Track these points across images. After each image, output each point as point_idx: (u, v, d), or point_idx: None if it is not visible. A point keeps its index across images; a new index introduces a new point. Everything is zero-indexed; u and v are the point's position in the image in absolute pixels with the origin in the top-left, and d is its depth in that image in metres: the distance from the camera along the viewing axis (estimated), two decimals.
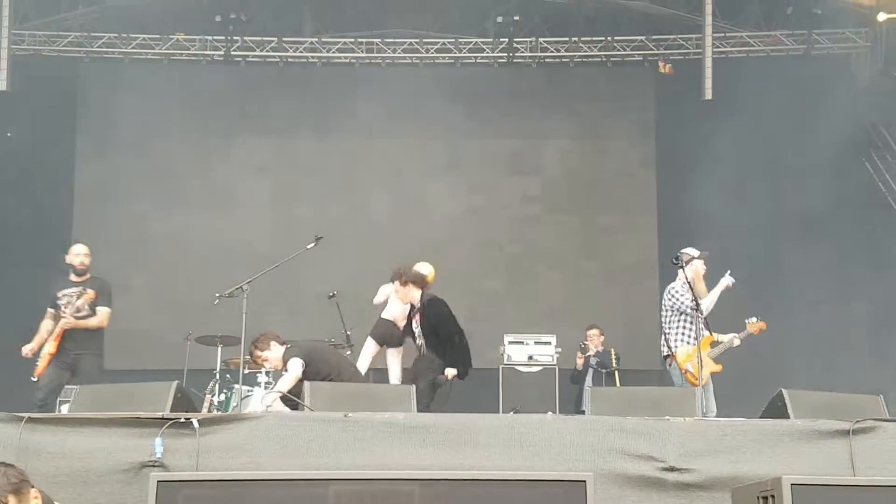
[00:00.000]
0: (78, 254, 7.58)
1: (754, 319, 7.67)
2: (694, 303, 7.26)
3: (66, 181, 11.84)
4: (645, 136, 12.00)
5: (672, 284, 7.63)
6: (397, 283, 7.70)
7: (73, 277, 7.60)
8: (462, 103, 11.88)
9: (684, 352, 7.43)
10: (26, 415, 4.65)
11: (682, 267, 7.41)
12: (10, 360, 9.53)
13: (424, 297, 7.78)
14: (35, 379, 7.42)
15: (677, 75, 11.88)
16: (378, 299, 8.34)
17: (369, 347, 8.26)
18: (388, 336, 8.21)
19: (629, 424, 4.78)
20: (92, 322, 7.45)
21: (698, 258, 7.64)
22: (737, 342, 7.58)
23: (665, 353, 7.60)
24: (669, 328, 7.59)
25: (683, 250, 7.59)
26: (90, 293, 7.39)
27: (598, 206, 11.86)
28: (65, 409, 7.71)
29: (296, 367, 6.78)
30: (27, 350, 7.47)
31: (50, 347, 7.39)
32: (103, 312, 7.49)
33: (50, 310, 7.57)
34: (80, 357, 7.44)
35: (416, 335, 7.80)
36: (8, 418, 4.63)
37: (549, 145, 12.03)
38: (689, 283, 7.42)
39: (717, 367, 7.52)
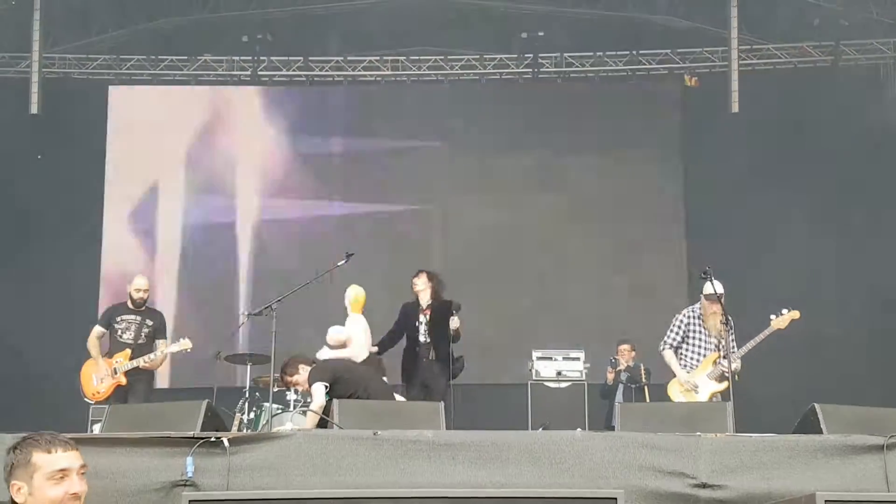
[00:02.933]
0: (139, 288, 8.09)
1: (784, 311, 7.41)
2: (691, 335, 7.49)
3: (97, 203, 11.98)
4: (672, 149, 11.96)
5: (688, 310, 7.69)
6: (425, 276, 8.01)
7: (131, 305, 8.10)
8: (487, 119, 11.93)
9: (672, 385, 7.51)
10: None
11: (715, 295, 7.27)
12: (40, 381, 9.68)
13: (435, 300, 7.81)
14: (91, 402, 7.70)
15: (703, 88, 11.85)
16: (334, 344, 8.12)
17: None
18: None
19: (660, 440, 4.75)
20: (159, 363, 8.10)
21: (706, 296, 7.43)
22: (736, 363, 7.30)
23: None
24: (682, 352, 7.64)
25: (707, 285, 7.33)
26: (187, 343, 7.93)
27: (626, 220, 11.82)
28: (96, 429, 7.85)
29: (319, 393, 6.79)
30: (104, 373, 7.89)
31: (120, 379, 7.89)
32: (164, 350, 8.03)
33: (101, 328, 8.06)
34: (135, 381, 7.92)
35: (421, 333, 7.87)
36: None
37: (576, 160, 12.01)
38: (700, 312, 7.55)
39: (721, 387, 7.39)
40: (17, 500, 2.72)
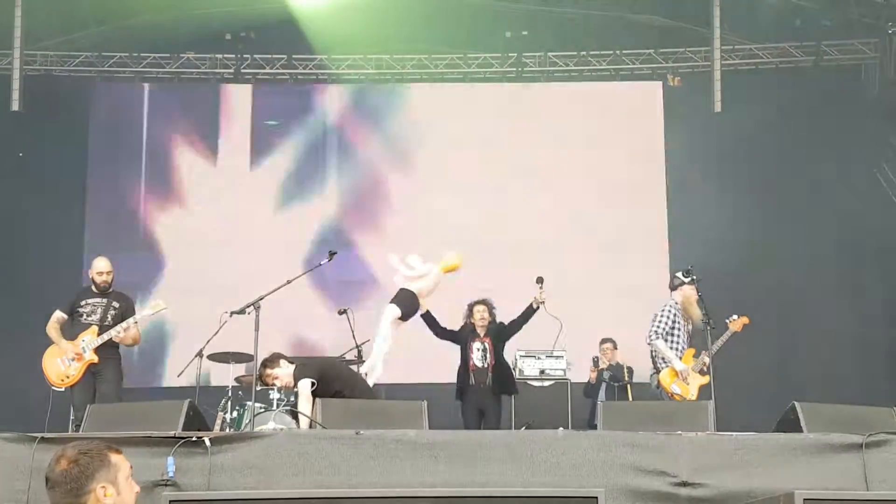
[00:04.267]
0: (101, 271, 7.71)
1: (735, 317, 7.76)
2: (676, 327, 7.57)
3: (79, 201, 11.91)
4: (655, 149, 11.99)
5: (664, 304, 7.74)
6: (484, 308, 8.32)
7: (95, 290, 7.73)
8: (471, 119, 11.93)
9: (667, 373, 7.53)
10: (39, 434, 4.67)
11: (675, 288, 7.71)
12: (22, 380, 9.61)
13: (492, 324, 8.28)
14: (59, 388, 7.49)
15: (686, 88, 11.90)
16: (411, 272, 8.09)
17: (391, 315, 7.87)
18: (411, 308, 8.01)
19: (641, 439, 4.77)
20: (132, 337, 7.64)
21: (689, 283, 7.71)
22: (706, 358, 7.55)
23: (651, 373, 7.70)
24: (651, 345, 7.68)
25: (676, 274, 7.83)
26: (160, 304, 7.73)
27: (609, 219, 11.85)
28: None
29: (305, 387, 6.79)
30: (72, 353, 7.47)
31: (91, 357, 7.47)
32: (136, 326, 7.65)
33: (62, 313, 7.64)
34: (104, 364, 7.55)
35: (479, 356, 8.19)
36: (21, 438, 4.67)
37: (559, 159, 12.03)
38: (680, 305, 7.64)
39: (704, 380, 7.53)
40: (104, 502, 2.72)
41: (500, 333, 8.45)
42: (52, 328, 7.60)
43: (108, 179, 12.03)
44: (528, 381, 9.57)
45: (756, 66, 11.95)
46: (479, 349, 8.37)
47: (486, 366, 8.27)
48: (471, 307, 8.52)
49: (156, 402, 6.70)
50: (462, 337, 8.51)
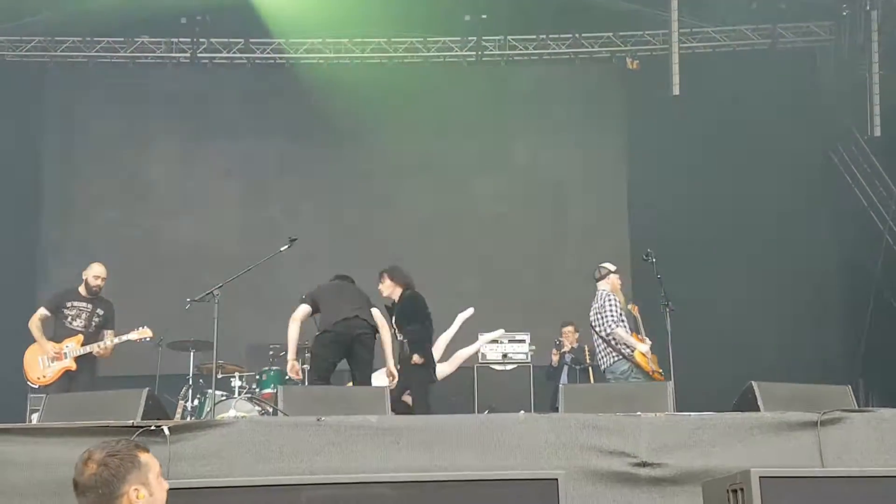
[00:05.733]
0: (98, 275, 7.95)
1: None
2: (621, 314, 7.94)
3: (33, 187, 11.72)
4: (615, 132, 12.06)
5: (603, 294, 7.89)
6: (386, 277, 8.02)
7: (83, 292, 7.92)
8: (432, 103, 11.89)
9: (639, 356, 7.68)
10: None
11: (602, 278, 8.15)
12: None
13: (405, 293, 7.97)
14: (35, 385, 7.51)
15: (645, 71, 11.96)
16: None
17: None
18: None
19: (601, 421, 4.81)
20: (110, 351, 7.92)
21: (615, 272, 8.16)
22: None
23: (615, 359, 7.76)
24: (613, 335, 7.79)
25: (601, 265, 8.26)
26: (147, 331, 7.92)
27: (569, 203, 11.92)
28: (34, 418, 7.71)
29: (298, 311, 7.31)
30: (52, 353, 7.69)
31: (70, 363, 7.72)
32: (114, 340, 7.92)
33: (45, 311, 7.84)
34: (80, 368, 7.77)
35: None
36: None
37: (520, 143, 12.07)
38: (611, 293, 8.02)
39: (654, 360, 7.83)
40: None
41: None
42: (35, 325, 7.79)
43: (61, 169, 11.85)
44: (491, 365, 9.61)
45: (713, 49, 12.04)
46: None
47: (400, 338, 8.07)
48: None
49: (114, 391, 6.61)
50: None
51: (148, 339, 7.97)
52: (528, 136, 12.06)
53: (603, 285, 8.07)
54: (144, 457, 2.70)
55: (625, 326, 7.87)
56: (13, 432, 4.66)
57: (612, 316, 7.82)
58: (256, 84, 12.15)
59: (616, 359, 7.84)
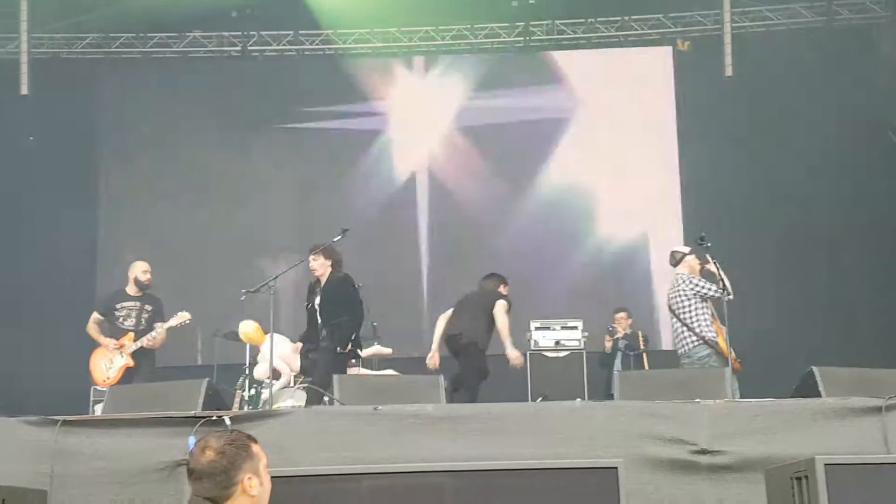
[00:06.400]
0: (146, 270, 8.19)
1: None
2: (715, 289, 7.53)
3: (90, 183, 11.93)
4: (666, 115, 11.89)
5: (683, 277, 7.75)
6: (320, 255, 7.68)
7: (131, 291, 8.15)
8: (480, 90, 11.86)
9: (722, 341, 7.52)
10: (61, 418, 4.71)
11: (679, 262, 7.90)
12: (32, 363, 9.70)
13: (334, 275, 7.71)
14: (103, 388, 7.77)
15: (696, 53, 11.78)
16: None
17: None
18: None
19: (659, 408, 4.77)
20: (160, 341, 8.08)
21: (690, 254, 7.91)
22: None
23: (693, 344, 7.63)
24: (694, 317, 7.63)
25: (674, 249, 8.05)
26: (185, 315, 8.06)
27: (620, 188, 11.79)
28: (98, 410, 7.89)
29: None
30: (113, 346, 7.96)
31: (128, 361, 7.95)
32: (164, 332, 8.08)
33: (98, 315, 8.15)
34: (139, 363, 7.99)
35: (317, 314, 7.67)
36: (43, 422, 4.70)
37: (570, 128, 11.96)
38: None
39: None
40: (251, 493, 2.73)
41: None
42: (92, 329, 8.12)
43: (117, 165, 12.04)
44: (543, 353, 9.57)
45: (767, 28, 11.80)
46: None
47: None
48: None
49: (174, 382, 6.74)
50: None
51: (188, 322, 8.12)
52: (578, 121, 11.93)
53: (680, 269, 7.87)
54: (255, 447, 2.80)
55: (707, 311, 7.72)
56: (79, 424, 4.76)
57: (691, 296, 7.68)
58: (306, 75, 12.21)
59: (696, 343, 7.64)
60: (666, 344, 10.21)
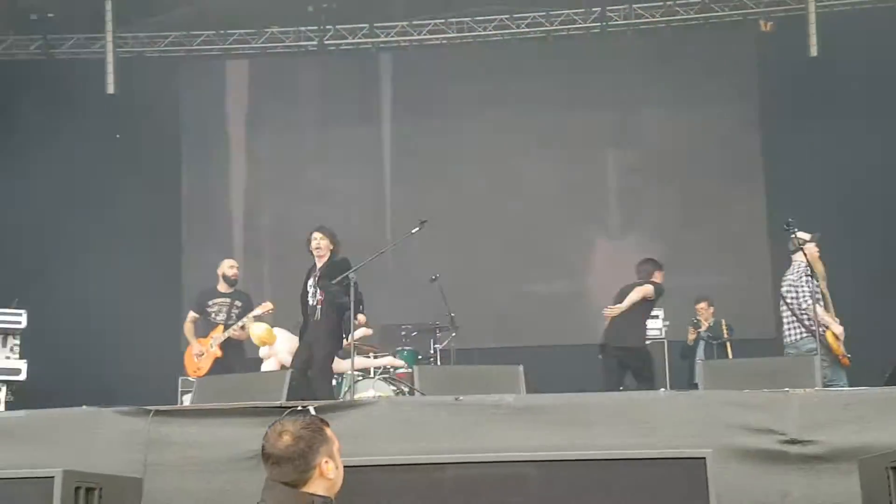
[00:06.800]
0: (232, 266, 8.71)
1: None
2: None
3: (174, 181, 12.22)
4: (748, 98, 11.62)
5: (801, 266, 7.53)
6: (326, 235, 7.63)
7: (221, 288, 8.60)
8: (557, 77, 11.76)
9: (831, 335, 7.35)
10: (153, 408, 4.85)
11: (798, 249, 7.51)
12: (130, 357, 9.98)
13: (335, 257, 7.63)
14: (192, 379, 8.05)
15: (779, 33, 11.46)
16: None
17: None
18: None
19: (746, 398, 4.68)
20: (247, 334, 8.41)
21: (810, 241, 7.59)
22: None
23: (801, 335, 7.48)
24: (805, 307, 7.45)
25: (795, 235, 7.55)
26: (268, 304, 8.41)
27: (701, 174, 11.56)
28: (186, 400, 8.13)
29: None
30: (197, 351, 8.42)
31: (216, 352, 8.35)
32: (249, 317, 8.41)
33: (194, 314, 8.61)
34: (228, 355, 8.35)
35: (310, 296, 7.54)
36: (136, 412, 4.85)
37: (648, 114, 11.76)
38: (809, 265, 7.41)
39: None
40: (328, 476, 2.72)
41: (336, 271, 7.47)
42: (188, 329, 8.62)
43: (199, 163, 12.30)
44: None
45: (853, 6, 11.41)
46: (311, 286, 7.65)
47: (314, 304, 7.54)
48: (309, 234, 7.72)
49: (260, 373, 6.91)
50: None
51: (271, 311, 8.41)
52: (656, 107, 11.73)
53: (798, 257, 7.61)
54: (329, 430, 2.79)
55: (821, 304, 7.52)
56: (171, 414, 4.90)
57: (808, 290, 7.46)
58: (383, 69, 12.28)
59: (803, 335, 7.52)
60: (751, 332, 9.98)
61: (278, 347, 8.27)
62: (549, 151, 11.85)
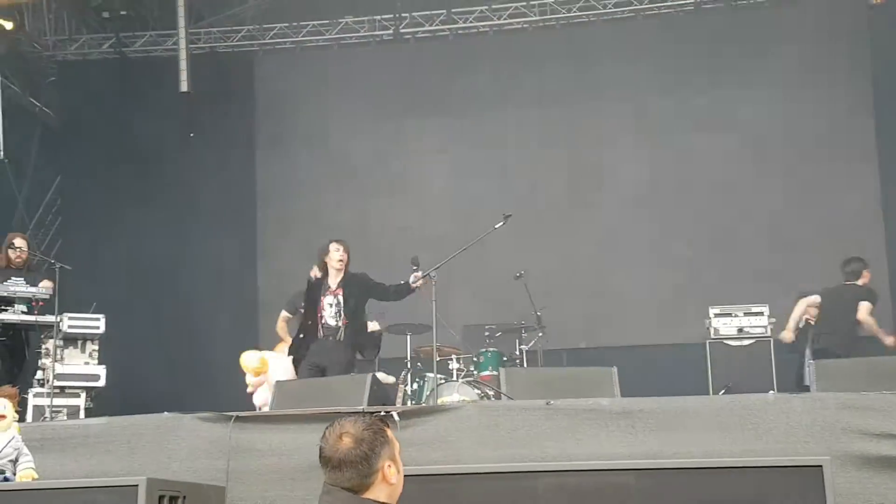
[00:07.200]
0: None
1: None
2: None
3: (248, 178, 12.41)
4: (859, 76, 11.22)
5: None
6: (343, 247, 7.59)
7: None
8: (647, 59, 11.55)
9: None
10: (234, 414, 4.92)
11: None
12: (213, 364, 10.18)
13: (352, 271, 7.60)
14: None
15: (891, 6, 11.05)
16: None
17: None
18: None
19: (864, 400, 4.53)
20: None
21: None
22: None
23: None
24: None
25: None
26: (376, 326, 8.36)
27: (808, 157, 11.21)
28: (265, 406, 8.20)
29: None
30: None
31: None
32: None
33: (287, 313, 8.57)
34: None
35: (329, 315, 7.50)
36: (217, 418, 4.93)
37: (748, 96, 11.42)
38: None
39: None
40: (391, 481, 2.66)
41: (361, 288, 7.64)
42: (281, 328, 8.62)
43: (274, 157, 12.46)
44: (725, 341, 9.26)
45: None
46: (330, 304, 7.59)
47: (334, 323, 7.50)
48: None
49: (339, 377, 6.94)
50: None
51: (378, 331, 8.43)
52: (757, 87, 11.40)
53: None
54: (390, 432, 2.72)
55: None
56: (252, 420, 4.96)
57: None
58: (461, 56, 12.25)
59: None
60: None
61: (272, 374, 7.68)
62: (640, 138, 11.66)
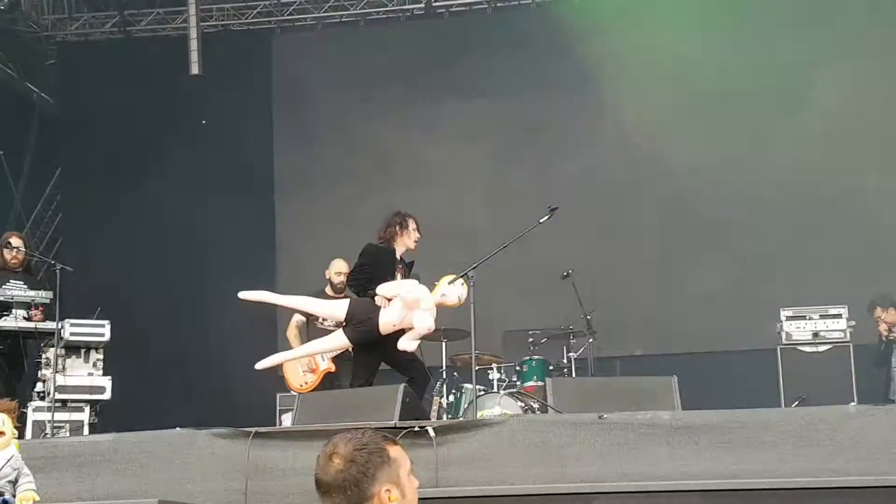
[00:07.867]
0: (339, 271, 8.59)
1: None
2: None
3: (266, 168, 12.47)
4: None
5: None
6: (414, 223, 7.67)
7: (329, 292, 8.57)
8: (705, 33, 11.43)
9: None
10: (253, 429, 4.95)
11: None
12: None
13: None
14: (298, 394, 8.17)
15: None
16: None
17: None
18: None
19: None
20: None
21: None
22: None
23: None
24: None
25: None
26: None
27: (892, 139, 11.05)
28: (285, 419, 8.27)
29: None
30: (305, 367, 8.42)
31: (329, 366, 8.39)
32: None
33: (300, 318, 8.58)
34: (342, 370, 8.22)
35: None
36: (234, 434, 4.96)
37: (824, 72, 11.30)
38: None
39: None
40: None
41: None
42: (292, 334, 8.65)
43: (293, 141, 12.52)
44: (799, 347, 9.21)
45: None
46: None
47: None
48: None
49: (368, 389, 6.95)
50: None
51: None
52: (837, 62, 11.24)
53: None
54: (394, 451, 2.63)
55: None
56: (272, 436, 4.99)
57: None
58: (500, 32, 12.21)
59: None
60: None
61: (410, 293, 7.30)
62: (703, 121, 11.50)
